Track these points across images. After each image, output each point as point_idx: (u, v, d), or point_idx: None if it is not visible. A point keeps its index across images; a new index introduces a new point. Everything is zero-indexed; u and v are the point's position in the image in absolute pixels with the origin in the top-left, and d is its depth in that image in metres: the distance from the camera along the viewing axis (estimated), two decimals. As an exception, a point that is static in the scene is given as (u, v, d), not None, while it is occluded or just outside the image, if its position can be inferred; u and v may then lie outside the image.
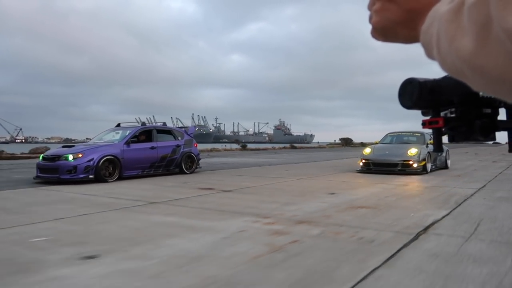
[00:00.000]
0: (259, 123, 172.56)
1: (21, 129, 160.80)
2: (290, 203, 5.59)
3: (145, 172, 9.65)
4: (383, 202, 5.69)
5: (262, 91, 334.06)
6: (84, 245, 3.41)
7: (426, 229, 3.96)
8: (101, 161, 8.50)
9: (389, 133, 12.97)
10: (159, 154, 10.00)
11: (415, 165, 10.48)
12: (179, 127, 11.34)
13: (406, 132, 12.71)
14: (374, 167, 10.87)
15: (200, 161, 11.41)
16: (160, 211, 5.11)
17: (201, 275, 2.67)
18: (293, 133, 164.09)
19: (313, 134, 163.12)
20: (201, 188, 7.45)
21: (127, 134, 9.61)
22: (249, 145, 42.54)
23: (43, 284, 2.56)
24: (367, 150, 11.47)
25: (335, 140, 73.69)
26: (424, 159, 10.60)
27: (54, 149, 9.09)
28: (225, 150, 31.93)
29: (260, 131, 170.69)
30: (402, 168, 10.53)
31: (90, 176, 8.33)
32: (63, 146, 9.06)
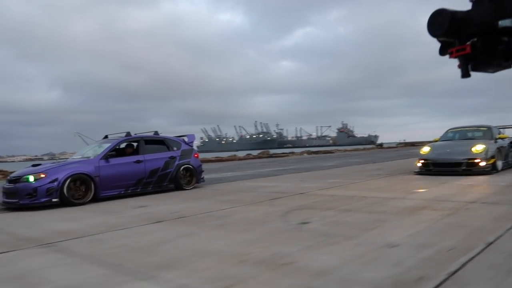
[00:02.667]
0: (321, 126, 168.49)
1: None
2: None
3: (129, 191, 8.34)
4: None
5: (314, 95, 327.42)
6: None
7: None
8: (68, 181, 7.30)
9: (450, 129, 11.39)
10: (148, 168, 8.65)
11: (482, 163, 9.01)
12: (178, 136, 9.94)
13: (470, 127, 11.31)
14: (434, 168, 9.60)
15: (202, 173, 9.93)
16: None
17: None
18: (356, 135, 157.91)
19: (377, 135, 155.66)
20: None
21: (105, 148, 8.39)
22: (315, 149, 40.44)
23: None
24: (426, 149, 10.17)
25: (404, 140, 70.49)
26: (493, 156, 9.21)
27: (22, 169, 8.11)
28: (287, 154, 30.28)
29: (323, 134, 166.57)
30: (467, 168, 9.10)
31: (54, 200, 7.16)
32: (32, 165, 8.02)
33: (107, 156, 8.15)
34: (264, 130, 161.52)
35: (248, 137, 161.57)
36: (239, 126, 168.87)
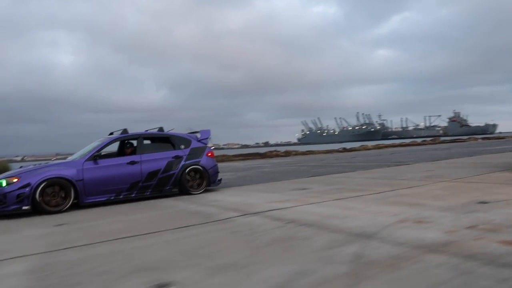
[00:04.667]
0: (429, 116, 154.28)
1: (209, 138, 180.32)
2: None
3: (121, 197, 7.31)
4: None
5: (415, 83, 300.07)
6: None
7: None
8: (41, 187, 6.50)
9: None
10: (145, 170, 7.53)
11: None
12: (190, 133, 8.66)
13: None
14: None
15: (218, 174, 8.51)
16: None
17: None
18: (471, 124, 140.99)
19: (495, 123, 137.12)
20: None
21: (93, 147, 7.46)
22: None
23: None
24: None
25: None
26: None
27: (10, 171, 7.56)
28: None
29: (432, 124, 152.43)
30: None
31: (25, 207, 6.41)
32: (20, 167, 7.44)
33: (95, 157, 7.22)
34: (367, 121, 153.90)
35: (350, 128, 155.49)
36: (340, 118, 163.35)
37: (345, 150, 28.70)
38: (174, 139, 8.21)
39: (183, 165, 7.93)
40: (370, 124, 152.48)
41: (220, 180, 8.58)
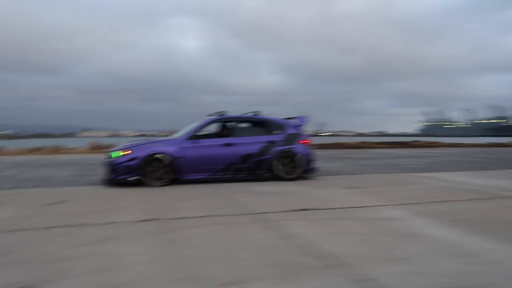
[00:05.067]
0: None
1: (323, 124, 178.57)
2: None
3: (217, 176, 7.65)
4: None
5: None
6: None
7: None
8: (146, 161, 7.15)
9: None
10: (239, 153, 7.74)
11: None
12: (287, 118, 8.57)
13: None
14: None
15: (313, 162, 8.34)
16: None
17: None
18: None
19: None
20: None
21: (194, 127, 7.88)
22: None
23: None
24: None
25: None
26: None
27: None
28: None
29: None
30: None
31: (132, 178, 7.12)
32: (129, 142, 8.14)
33: (194, 137, 7.65)
34: (499, 114, 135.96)
35: (479, 121, 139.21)
36: (467, 110, 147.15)
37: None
38: (269, 123, 8.25)
39: (277, 151, 7.94)
40: (505, 118, 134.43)
41: (315, 168, 8.39)
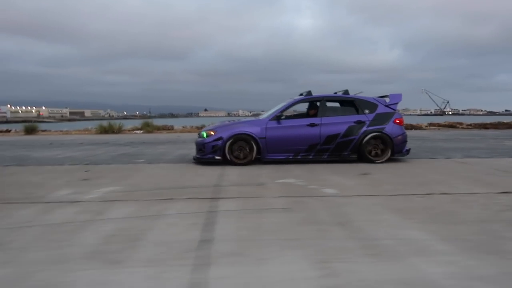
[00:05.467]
0: None
1: (448, 102, 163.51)
2: None
3: (299, 157, 7.55)
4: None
5: None
6: None
7: None
8: (231, 141, 7.36)
9: None
10: (324, 133, 7.51)
11: None
12: (381, 97, 7.98)
13: None
14: None
15: (406, 144, 7.71)
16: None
17: None
18: None
19: None
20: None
21: (278, 108, 7.83)
22: None
23: None
24: None
25: None
26: None
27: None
28: None
29: None
30: None
31: (217, 157, 7.42)
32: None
33: (278, 117, 7.63)
34: None
35: None
36: None
37: None
38: (359, 102, 7.80)
39: (364, 131, 7.52)
40: None
41: (407, 150, 7.76)
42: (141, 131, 20.36)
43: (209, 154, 7.47)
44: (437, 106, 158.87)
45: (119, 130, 20.29)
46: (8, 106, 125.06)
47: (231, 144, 7.39)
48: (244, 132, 7.44)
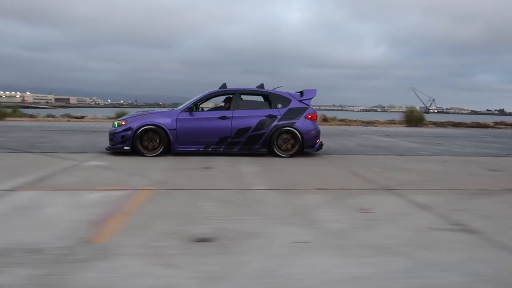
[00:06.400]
0: None
1: (434, 100, 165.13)
2: None
3: (209, 149, 7.55)
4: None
5: None
6: None
7: None
8: (139, 131, 7.32)
9: None
10: (235, 126, 7.52)
11: None
12: (299, 92, 8.01)
13: None
14: None
15: (317, 139, 7.77)
16: None
17: None
18: None
19: None
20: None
21: (193, 100, 7.81)
22: None
23: None
24: None
25: None
26: None
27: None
28: None
29: None
30: None
31: (126, 148, 7.37)
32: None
33: (189, 109, 7.62)
34: None
35: None
36: None
37: None
38: (272, 97, 7.83)
39: (275, 125, 7.55)
40: None
41: (319, 145, 7.83)
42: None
43: (119, 144, 7.42)
44: (423, 104, 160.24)
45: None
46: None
47: (141, 135, 7.36)
48: (153, 123, 7.41)
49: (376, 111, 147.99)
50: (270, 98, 7.82)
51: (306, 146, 7.65)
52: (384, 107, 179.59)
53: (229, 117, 7.56)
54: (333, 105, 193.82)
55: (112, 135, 7.51)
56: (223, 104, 8.12)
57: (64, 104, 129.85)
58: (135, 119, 7.56)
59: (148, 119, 7.47)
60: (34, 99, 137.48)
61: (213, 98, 8.10)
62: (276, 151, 7.51)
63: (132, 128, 7.37)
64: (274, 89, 8.14)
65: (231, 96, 7.91)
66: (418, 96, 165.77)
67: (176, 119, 7.48)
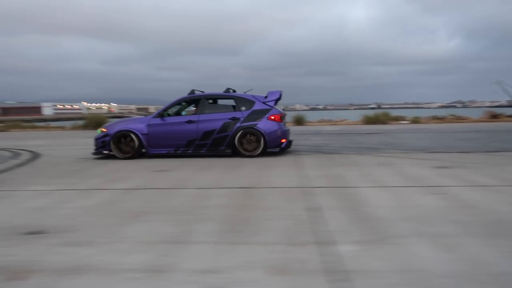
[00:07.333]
0: None
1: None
2: None
3: (179, 151, 8.05)
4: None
5: None
6: None
7: None
8: (116, 137, 8.04)
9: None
10: (201, 129, 7.94)
11: None
12: (259, 95, 8.21)
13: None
14: None
15: (280, 139, 7.89)
16: None
17: None
18: None
19: None
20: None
21: (164, 106, 8.37)
22: None
23: None
24: None
25: None
26: None
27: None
28: None
29: None
30: None
31: (105, 152, 8.14)
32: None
33: (160, 115, 8.18)
34: None
35: None
36: None
37: None
38: (237, 100, 8.13)
39: (238, 127, 7.85)
40: None
41: (284, 145, 7.95)
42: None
43: (100, 148, 8.22)
44: (509, 97, 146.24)
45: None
46: (84, 103, 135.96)
47: (117, 140, 8.08)
48: (127, 129, 8.09)
49: (455, 107, 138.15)
50: (235, 101, 8.13)
51: (269, 146, 7.84)
52: (464, 103, 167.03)
53: (195, 120, 8.00)
54: (406, 103, 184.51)
55: (95, 141, 8.33)
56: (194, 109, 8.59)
57: (144, 114, 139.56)
58: (113, 126, 8.33)
59: (123, 126, 8.19)
60: (119, 109, 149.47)
61: (185, 104, 8.57)
62: (241, 151, 7.79)
63: (110, 134, 8.12)
64: (244, 92, 8.42)
65: (198, 101, 8.33)
66: (505, 89, 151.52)
67: (148, 124, 8.10)
